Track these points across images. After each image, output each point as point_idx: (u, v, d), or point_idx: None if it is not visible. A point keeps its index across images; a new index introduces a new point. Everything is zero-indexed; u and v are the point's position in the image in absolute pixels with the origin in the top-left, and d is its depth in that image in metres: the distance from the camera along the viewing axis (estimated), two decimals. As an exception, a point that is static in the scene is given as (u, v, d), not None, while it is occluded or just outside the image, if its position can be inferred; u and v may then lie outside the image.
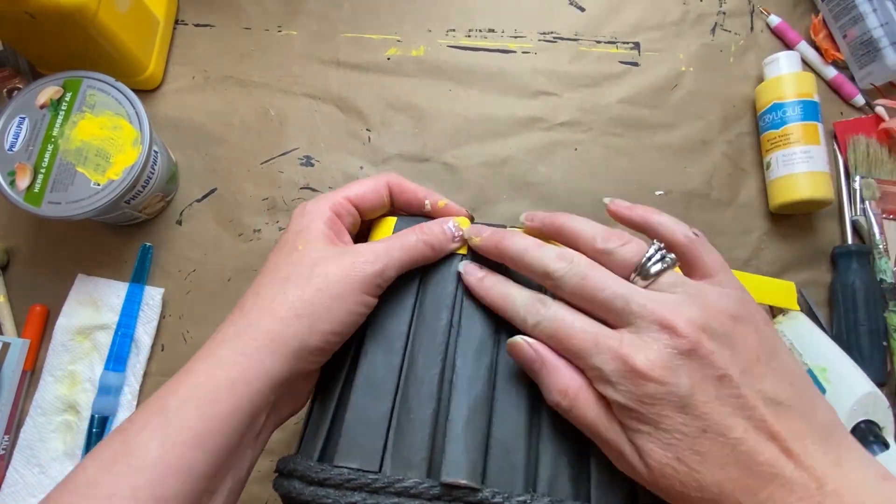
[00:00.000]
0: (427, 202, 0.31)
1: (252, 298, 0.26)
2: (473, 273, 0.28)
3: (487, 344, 0.26)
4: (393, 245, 0.27)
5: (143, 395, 0.44)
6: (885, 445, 0.35)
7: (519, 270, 0.27)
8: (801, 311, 0.48)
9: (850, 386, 0.37)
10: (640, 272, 0.24)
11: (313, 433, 0.27)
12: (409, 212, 0.32)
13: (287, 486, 0.24)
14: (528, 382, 0.25)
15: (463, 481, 0.22)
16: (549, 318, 0.24)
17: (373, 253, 0.27)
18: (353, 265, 0.26)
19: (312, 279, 0.25)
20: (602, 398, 0.23)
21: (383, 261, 0.26)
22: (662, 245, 0.25)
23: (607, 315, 0.24)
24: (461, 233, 0.29)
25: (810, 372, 0.39)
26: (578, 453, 0.25)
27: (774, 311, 0.45)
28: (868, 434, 0.36)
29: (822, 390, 0.37)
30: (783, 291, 0.32)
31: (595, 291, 0.23)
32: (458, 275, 0.28)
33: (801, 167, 0.47)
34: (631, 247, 0.25)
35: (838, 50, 0.53)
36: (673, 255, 0.25)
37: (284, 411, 0.28)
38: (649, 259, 0.24)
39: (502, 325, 0.27)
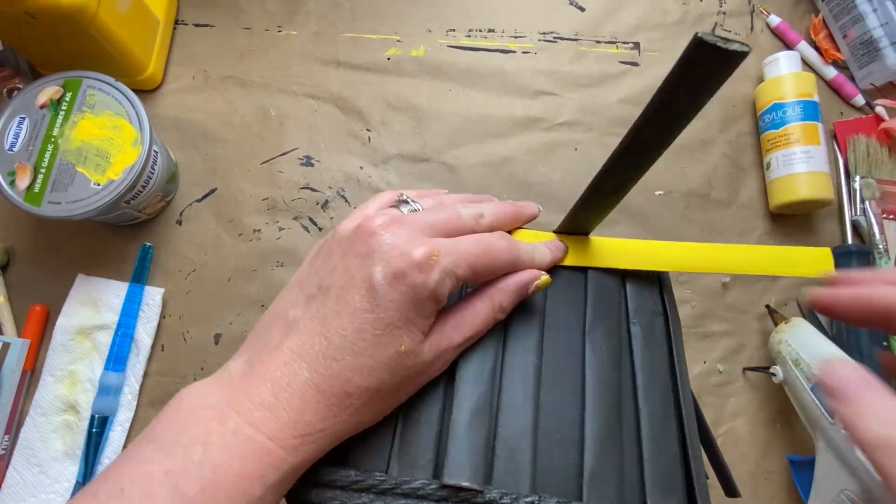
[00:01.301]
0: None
1: (340, 398, 0.22)
2: None
3: (491, 345, 0.26)
4: (471, 337, 0.25)
5: (143, 395, 0.44)
6: None
7: None
8: (802, 311, 0.48)
9: None
10: None
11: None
12: None
13: (294, 489, 0.24)
14: (533, 381, 0.25)
15: (465, 483, 0.22)
16: None
17: (451, 359, 0.25)
18: (431, 375, 0.24)
19: (398, 395, 0.24)
20: None
21: (456, 352, 0.25)
22: None
23: None
24: (538, 291, 0.26)
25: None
26: (583, 453, 0.25)
27: (776, 319, 0.45)
28: None
29: None
30: (819, 258, 0.30)
31: None
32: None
33: (801, 167, 0.47)
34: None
35: (838, 50, 0.53)
36: None
37: None
38: None
39: (506, 324, 0.27)
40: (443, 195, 0.29)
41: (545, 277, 0.26)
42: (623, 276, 0.29)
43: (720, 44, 0.16)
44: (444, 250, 0.23)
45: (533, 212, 0.30)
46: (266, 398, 0.22)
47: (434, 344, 0.24)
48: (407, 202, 0.27)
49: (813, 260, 0.30)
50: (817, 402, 0.38)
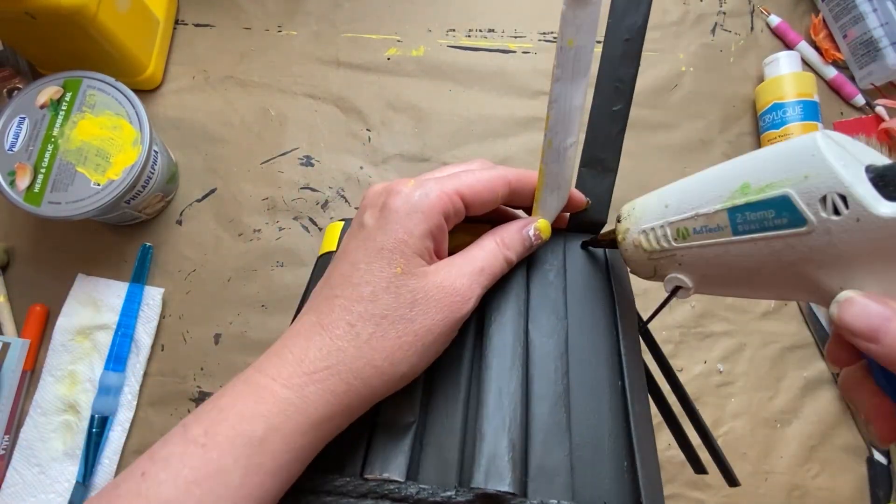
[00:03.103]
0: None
1: (344, 328, 0.22)
2: None
3: (517, 348, 0.25)
4: (483, 267, 0.24)
5: (142, 395, 0.44)
6: None
7: None
8: (802, 311, 0.48)
9: None
10: None
11: (344, 448, 0.25)
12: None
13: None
14: (561, 385, 0.25)
15: (505, 489, 0.21)
16: None
17: (469, 288, 0.23)
18: (452, 307, 0.23)
19: (413, 322, 0.22)
20: None
21: (477, 293, 0.24)
22: None
23: None
24: (539, 241, 0.26)
25: None
26: (624, 452, 0.24)
27: None
28: None
29: None
30: None
31: None
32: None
33: (801, 167, 0.47)
34: None
35: (838, 50, 0.53)
36: None
37: None
38: None
39: (529, 327, 0.26)
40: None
41: (542, 221, 0.26)
42: (564, 248, 0.28)
43: None
44: (429, 176, 0.24)
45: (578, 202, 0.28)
46: (277, 347, 0.22)
47: (444, 270, 0.23)
48: None
49: None
50: None
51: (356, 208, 0.49)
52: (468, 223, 0.26)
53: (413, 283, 0.23)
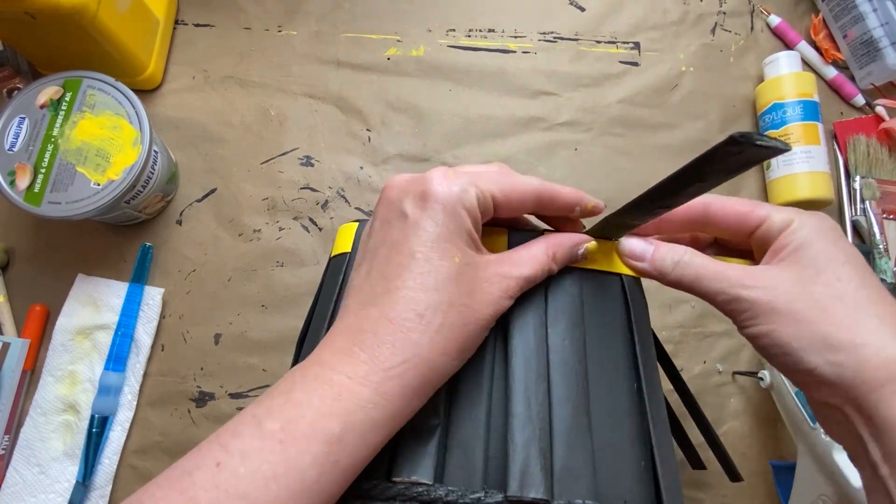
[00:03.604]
0: (577, 208, 0.27)
1: (414, 320, 0.22)
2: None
3: (541, 353, 0.26)
4: (528, 274, 0.24)
5: (142, 395, 0.44)
6: None
7: None
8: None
9: None
10: None
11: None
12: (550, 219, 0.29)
13: None
14: (581, 388, 0.25)
15: (541, 496, 0.22)
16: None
17: (513, 288, 0.24)
18: (499, 302, 0.23)
19: (474, 311, 0.23)
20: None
21: (516, 295, 0.24)
22: None
23: None
24: (585, 258, 0.27)
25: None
26: (643, 453, 0.24)
27: None
28: None
29: None
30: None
31: None
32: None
33: (801, 167, 0.47)
34: None
35: (838, 50, 0.53)
36: None
37: None
38: None
39: (549, 332, 0.26)
40: None
41: (593, 243, 0.27)
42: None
43: (761, 142, 0.17)
44: (462, 171, 0.24)
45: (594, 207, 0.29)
46: (342, 345, 0.22)
47: (494, 264, 0.24)
48: None
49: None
50: (800, 408, 0.38)
51: (356, 208, 0.49)
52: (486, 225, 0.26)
53: (470, 273, 0.23)
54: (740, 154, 0.18)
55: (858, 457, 0.23)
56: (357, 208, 0.49)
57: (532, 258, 0.25)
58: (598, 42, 0.53)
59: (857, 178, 0.49)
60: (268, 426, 0.20)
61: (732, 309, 0.24)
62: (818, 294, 0.22)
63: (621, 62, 0.53)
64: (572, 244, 0.26)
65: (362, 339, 0.22)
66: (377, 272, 0.23)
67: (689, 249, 0.26)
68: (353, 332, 0.22)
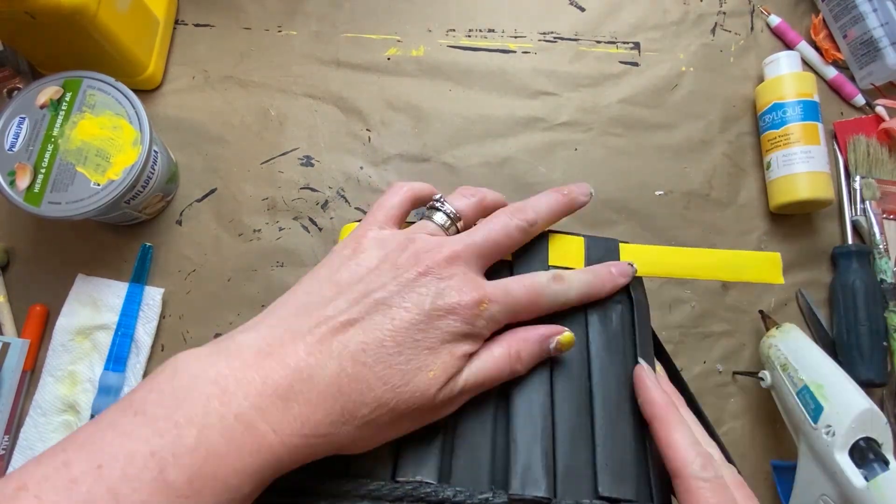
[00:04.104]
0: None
1: (356, 405, 0.21)
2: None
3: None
4: (484, 382, 0.24)
5: (143, 395, 0.44)
6: (886, 463, 0.34)
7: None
8: (802, 311, 0.48)
9: (847, 403, 0.36)
10: None
11: (373, 452, 0.25)
12: None
13: None
14: (584, 388, 0.25)
15: (541, 495, 0.22)
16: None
17: (461, 396, 0.24)
18: (442, 411, 0.23)
19: (403, 424, 0.23)
20: None
21: (466, 397, 0.24)
22: None
23: None
24: (560, 352, 0.26)
25: (806, 388, 0.38)
26: (636, 456, 0.25)
27: (768, 325, 0.44)
28: (868, 452, 0.34)
29: (820, 407, 0.36)
30: (768, 264, 0.30)
31: None
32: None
33: (801, 167, 0.47)
34: None
35: (838, 50, 0.53)
36: None
37: None
38: None
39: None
40: (482, 193, 0.28)
41: (568, 335, 0.25)
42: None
43: None
44: (495, 299, 0.24)
45: (582, 199, 0.29)
46: (281, 385, 0.19)
47: (452, 381, 0.23)
48: (441, 210, 0.27)
49: (762, 265, 0.30)
50: (801, 408, 0.38)
51: (356, 208, 0.49)
52: None
53: (431, 392, 0.22)
54: None
55: None
56: (357, 208, 0.49)
57: (487, 366, 0.24)
58: (598, 42, 0.53)
59: (857, 178, 0.49)
60: (172, 477, 0.18)
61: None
62: None
63: (621, 62, 0.53)
64: (538, 338, 0.25)
65: (305, 393, 0.20)
66: (362, 330, 0.22)
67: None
68: (300, 377, 0.21)
